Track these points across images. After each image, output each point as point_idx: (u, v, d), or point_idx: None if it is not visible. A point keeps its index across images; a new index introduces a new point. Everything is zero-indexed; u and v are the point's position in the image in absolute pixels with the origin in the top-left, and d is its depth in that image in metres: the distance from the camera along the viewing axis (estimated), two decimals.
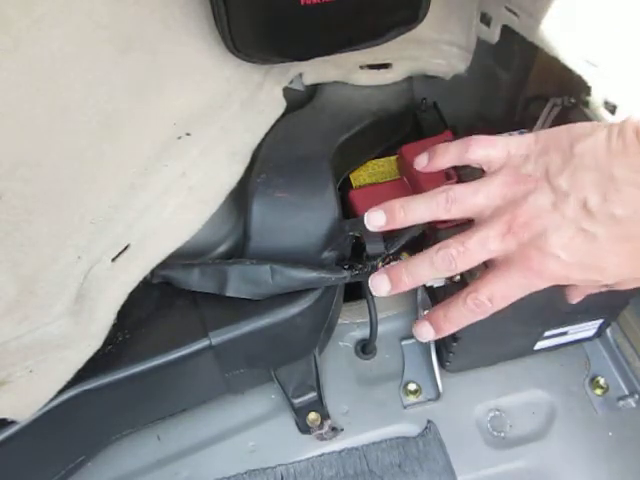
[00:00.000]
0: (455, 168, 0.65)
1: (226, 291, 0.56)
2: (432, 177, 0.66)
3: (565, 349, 0.70)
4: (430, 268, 0.44)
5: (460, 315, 0.45)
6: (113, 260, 0.52)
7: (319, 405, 0.64)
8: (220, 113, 0.60)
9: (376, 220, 0.47)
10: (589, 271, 0.40)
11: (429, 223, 0.64)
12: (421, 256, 0.45)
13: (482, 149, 0.45)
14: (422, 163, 0.50)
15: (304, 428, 0.64)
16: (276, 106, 0.64)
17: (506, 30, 0.66)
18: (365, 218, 0.47)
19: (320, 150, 0.64)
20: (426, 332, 0.46)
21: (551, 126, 0.71)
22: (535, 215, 0.40)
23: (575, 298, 0.50)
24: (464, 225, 0.62)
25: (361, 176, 0.72)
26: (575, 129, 0.41)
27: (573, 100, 0.66)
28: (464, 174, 0.65)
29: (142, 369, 0.53)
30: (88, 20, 0.48)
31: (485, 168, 0.46)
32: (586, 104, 0.60)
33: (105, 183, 0.53)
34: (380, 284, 0.47)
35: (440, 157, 0.48)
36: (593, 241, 0.39)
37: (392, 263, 0.64)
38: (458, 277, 0.57)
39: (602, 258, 0.39)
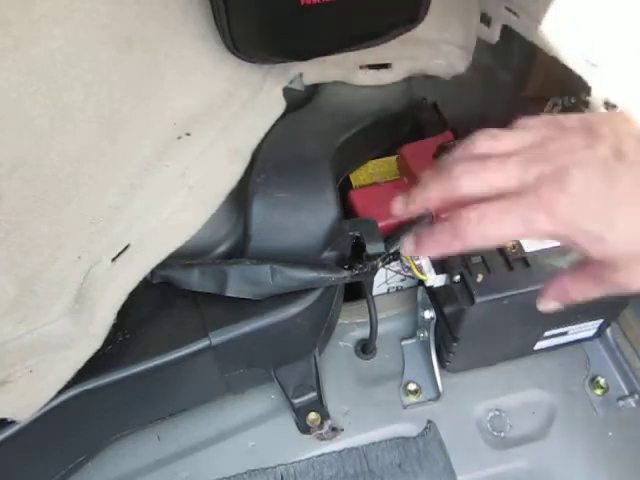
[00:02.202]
0: None
1: (226, 291, 0.56)
2: None
3: (565, 349, 0.70)
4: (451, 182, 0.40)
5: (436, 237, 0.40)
6: (113, 260, 0.52)
7: (319, 405, 0.64)
8: (220, 113, 0.60)
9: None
10: (597, 222, 0.36)
11: (430, 219, 0.64)
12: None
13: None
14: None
15: (304, 428, 0.64)
16: (276, 106, 0.64)
17: (506, 30, 0.66)
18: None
19: (320, 150, 0.64)
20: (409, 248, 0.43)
21: None
22: (567, 150, 0.37)
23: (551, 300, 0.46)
24: None
25: (361, 176, 0.72)
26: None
27: (573, 100, 0.66)
28: None
29: (142, 369, 0.53)
30: (88, 20, 0.48)
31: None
32: (586, 104, 0.60)
33: (105, 183, 0.53)
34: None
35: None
36: (614, 183, 0.36)
37: (392, 263, 0.65)
38: (458, 277, 0.57)
39: (616, 207, 0.36)
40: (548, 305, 0.45)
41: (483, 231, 0.38)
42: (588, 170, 0.36)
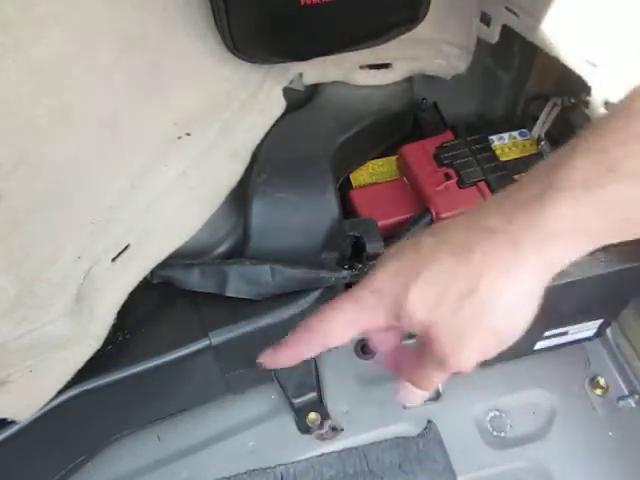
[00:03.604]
0: (454, 168, 0.66)
1: (226, 291, 0.56)
2: (432, 178, 0.66)
3: (565, 349, 0.70)
4: None
5: None
6: (113, 260, 0.52)
7: (319, 405, 0.64)
8: (220, 113, 0.60)
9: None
10: (399, 286, 0.35)
11: (430, 219, 0.64)
12: None
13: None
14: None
15: (304, 428, 0.64)
16: (276, 106, 0.64)
17: (506, 30, 0.66)
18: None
19: (320, 150, 0.64)
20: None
21: (551, 126, 0.71)
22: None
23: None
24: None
25: (361, 176, 0.72)
26: None
27: (573, 100, 0.66)
28: (464, 174, 0.65)
29: (142, 369, 0.53)
30: (88, 20, 0.48)
31: None
32: (586, 104, 0.60)
33: (105, 183, 0.53)
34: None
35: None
36: (418, 249, 0.36)
37: None
38: None
39: (420, 267, 0.35)
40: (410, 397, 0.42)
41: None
42: (404, 246, 0.37)
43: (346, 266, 0.57)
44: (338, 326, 0.38)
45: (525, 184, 0.34)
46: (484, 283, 0.34)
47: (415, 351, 0.40)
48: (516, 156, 0.70)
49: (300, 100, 0.70)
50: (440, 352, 0.36)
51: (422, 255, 0.36)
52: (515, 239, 0.33)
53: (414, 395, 0.41)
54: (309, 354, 0.39)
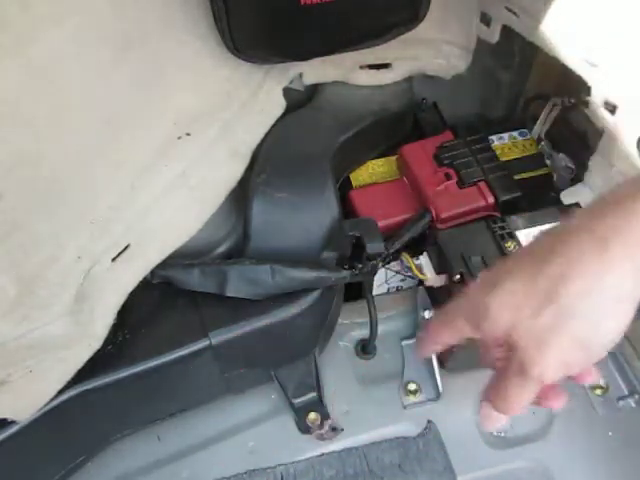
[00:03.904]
0: (454, 168, 0.66)
1: (226, 291, 0.56)
2: (432, 178, 0.66)
3: None
4: None
5: None
6: (113, 260, 0.52)
7: (319, 405, 0.64)
8: (220, 113, 0.60)
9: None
10: (482, 289, 0.37)
11: (430, 223, 0.64)
12: None
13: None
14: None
15: (304, 428, 0.64)
16: (276, 106, 0.64)
17: (506, 30, 0.66)
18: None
19: (320, 150, 0.64)
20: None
21: (551, 126, 0.71)
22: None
23: None
24: (464, 225, 0.62)
25: (361, 176, 0.72)
26: None
27: (573, 100, 0.66)
28: (464, 174, 0.65)
29: (142, 369, 0.53)
30: (88, 20, 0.48)
31: None
32: (586, 104, 0.60)
33: (105, 183, 0.53)
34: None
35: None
36: (506, 259, 0.38)
37: (392, 263, 0.65)
38: (458, 276, 0.57)
39: (503, 274, 0.36)
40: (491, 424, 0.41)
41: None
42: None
43: (346, 266, 0.58)
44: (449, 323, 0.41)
45: (620, 186, 0.33)
46: (566, 287, 0.32)
47: (497, 368, 0.39)
48: (516, 156, 0.70)
49: (300, 100, 0.70)
50: (521, 359, 0.35)
51: (506, 264, 0.37)
52: (602, 241, 0.32)
53: (493, 417, 0.40)
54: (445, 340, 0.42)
